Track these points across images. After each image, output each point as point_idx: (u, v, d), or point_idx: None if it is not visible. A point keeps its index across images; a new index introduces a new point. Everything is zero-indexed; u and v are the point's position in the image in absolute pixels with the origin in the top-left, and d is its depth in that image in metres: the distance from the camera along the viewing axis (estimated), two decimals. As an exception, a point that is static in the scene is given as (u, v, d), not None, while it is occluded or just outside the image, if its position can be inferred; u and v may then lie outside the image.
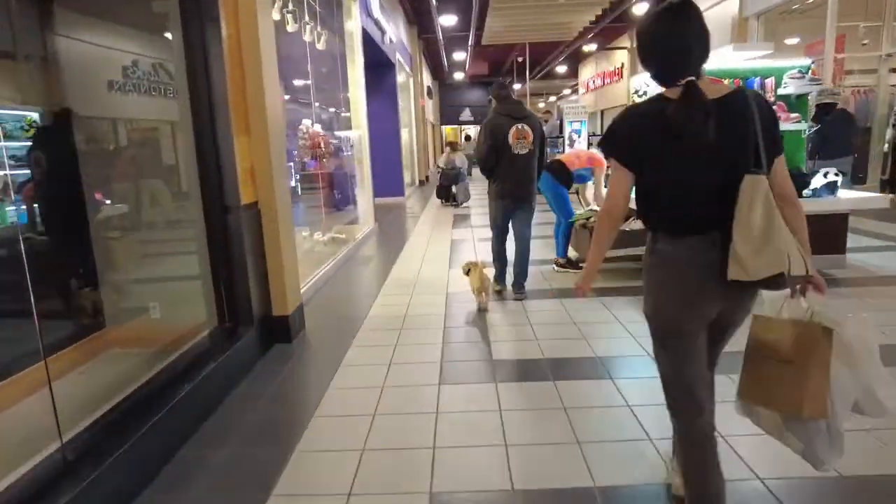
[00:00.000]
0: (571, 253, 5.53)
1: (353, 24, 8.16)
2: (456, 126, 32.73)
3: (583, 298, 3.30)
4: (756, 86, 4.84)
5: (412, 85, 16.70)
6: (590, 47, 20.23)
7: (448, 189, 12.29)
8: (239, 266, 3.38)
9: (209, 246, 3.26)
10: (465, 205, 11.90)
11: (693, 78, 1.52)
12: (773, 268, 1.44)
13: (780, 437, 1.64)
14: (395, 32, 12.61)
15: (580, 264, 5.35)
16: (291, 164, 6.68)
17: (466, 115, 32.32)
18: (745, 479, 2.14)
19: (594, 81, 23.62)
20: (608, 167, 3.06)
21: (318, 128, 7.05)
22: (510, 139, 4.37)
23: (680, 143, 1.52)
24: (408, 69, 15.91)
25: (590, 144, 13.03)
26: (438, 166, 13.01)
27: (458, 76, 26.93)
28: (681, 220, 1.60)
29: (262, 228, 3.65)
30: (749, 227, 1.45)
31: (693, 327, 1.63)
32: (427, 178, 18.36)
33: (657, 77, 1.62)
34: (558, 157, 5.51)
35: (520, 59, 21.91)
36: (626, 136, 1.64)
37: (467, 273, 4.46)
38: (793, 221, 1.55)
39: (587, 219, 5.27)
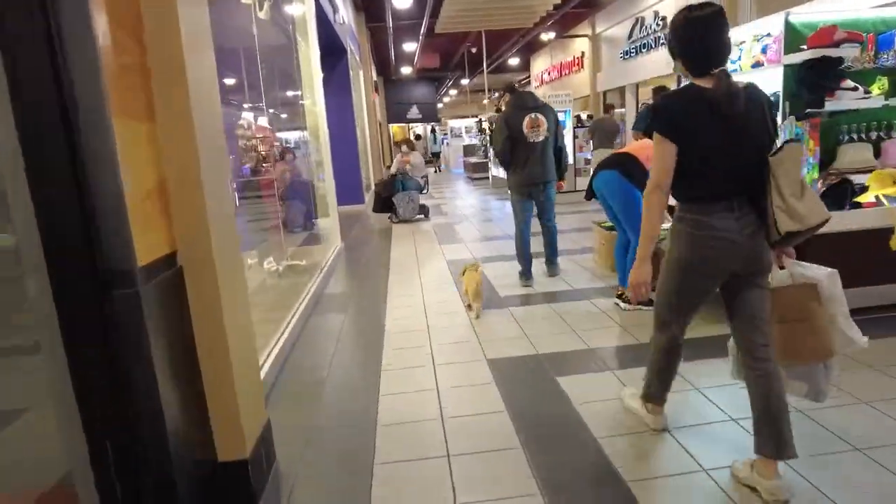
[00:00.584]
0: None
1: (304, -9, 6.37)
2: (403, 124, 30.97)
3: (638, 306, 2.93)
4: None
5: (363, 78, 14.90)
6: (548, 35, 19.02)
7: (387, 201, 9.13)
8: (141, 396, 1.63)
9: (72, 369, 1.51)
10: (419, 219, 9.31)
11: (724, 68, 1.85)
12: (821, 216, 1.79)
13: (786, 387, 1.98)
14: (346, 14, 10.82)
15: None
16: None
17: (414, 112, 30.61)
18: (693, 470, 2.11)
19: (549, 74, 22.51)
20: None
21: (263, 123, 5.26)
22: (524, 129, 4.45)
23: (719, 120, 1.83)
24: (358, 59, 14.12)
25: (575, 137, 11.72)
26: (389, 171, 9.80)
27: (406, 71, 25.21)
28: (708, 190, 1.88)
29: (187, 307, 1.90)
30: (797, 185, 1.78)
31: (710, 283, 1.99)
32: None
33: (695, 67, 1.90)
34: (625, 149, 3.98)
35: (473, 50, 20.49)
36: (674, 113, 1.90)
37: (463, 274, 4.41)
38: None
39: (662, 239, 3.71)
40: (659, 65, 13.36)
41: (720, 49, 1.86)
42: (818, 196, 1.82)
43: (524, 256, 4.77)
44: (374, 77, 22.57)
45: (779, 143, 1.92)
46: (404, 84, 29.60)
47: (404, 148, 9.93)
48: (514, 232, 4.80)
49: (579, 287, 4.65)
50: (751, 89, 1.90)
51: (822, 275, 1.98)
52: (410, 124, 31.46)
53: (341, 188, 10.22)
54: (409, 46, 19.54)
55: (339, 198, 8.81)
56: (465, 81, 31.82)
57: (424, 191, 9.83)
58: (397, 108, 29.93)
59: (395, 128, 31.04)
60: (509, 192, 4.81)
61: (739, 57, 3.87)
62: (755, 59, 3.69)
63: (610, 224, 4.57)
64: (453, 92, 36.76)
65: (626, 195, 3.71)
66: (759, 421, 1.93)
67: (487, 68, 27.41)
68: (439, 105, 35.91)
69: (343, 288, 5.50)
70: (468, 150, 18.56)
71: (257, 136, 5.31)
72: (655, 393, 2.31)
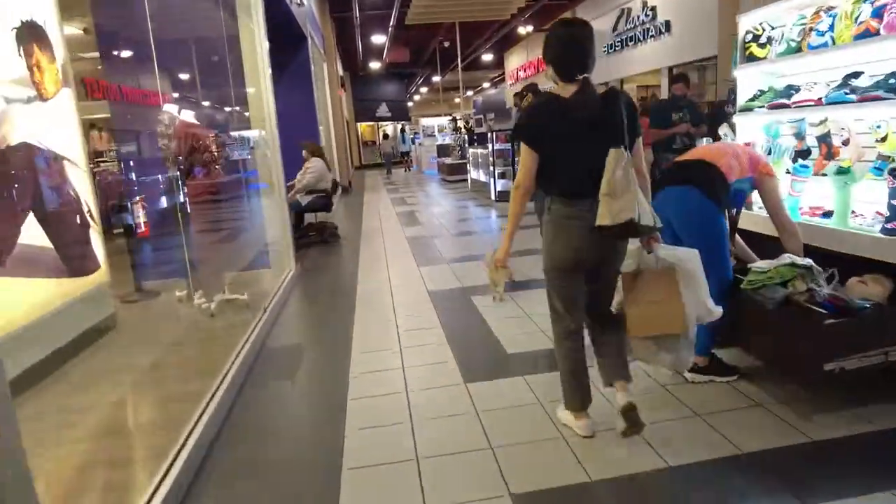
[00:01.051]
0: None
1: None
2: (372, 123, 29.67)
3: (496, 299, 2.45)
4: None
5: (327, 72, 13.62)
6: (525, 29, 18.04)
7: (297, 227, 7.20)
8: None
9: None
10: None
11: (588, 76, 2.08)
12: (627, 213, 1.99)
13: (654, 359, 2.37)
14: (306, -2, 9.58)
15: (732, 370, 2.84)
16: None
17: (383, 110, 29.33)
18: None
19: (525, 71, 21.55)
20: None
21: (190, 118, 4.07)
22: None
23: (574, 125, 2.08)
24: (322, 50, 12.86)
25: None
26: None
27: (374, 66, 23.92)
28: (570, 188, 2.15)
29: None
30: (611, 184, 2.00)
31: (575, 267, 2.24)
32: (350, 184, 15.38)
33: (561, 73, 2.12)
34: (699, 154, 2.82)
35: (446, 44, 19.38)
36: (533, 124, 2.19)
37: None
38: (643, 189, 2.12)
39: (765, 281, 2.53)
40: (648, 59, 12.48)
41: (584, 57, 2.09)
42: (638, 196, 2.02)
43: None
44: (340, 72, 21.26)
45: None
46: (373, 80, 28.27)
47: (304, 153, 7.81)
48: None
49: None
50: (610, 94, 2.12)
51: (682, 254, 2.27)
52: (380, 123, 30.18)
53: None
54: (378, 39, 18.30)
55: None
56: (436, 79, 30.75)
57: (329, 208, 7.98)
58: (365, 106, 28.59)
59: (363, 126, 29.69)
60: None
61: (831, 27, 2.84)
62: (863, 26, 2.65)
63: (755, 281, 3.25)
64: (424, 90, 35.58)
65: (703, 213, 2.58)
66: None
67: (463, 64, 26.39)
68: (409, 103, 34.66)
69: (293, 338, 4.25)
70: (442, 151, 17.45)
71: (188, 132, 4.12)
72: (575, 398, 2.42)
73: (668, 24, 11.47)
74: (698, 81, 13.23)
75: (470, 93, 39.16)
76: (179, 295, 3.88)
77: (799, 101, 3.02)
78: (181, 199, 3.87)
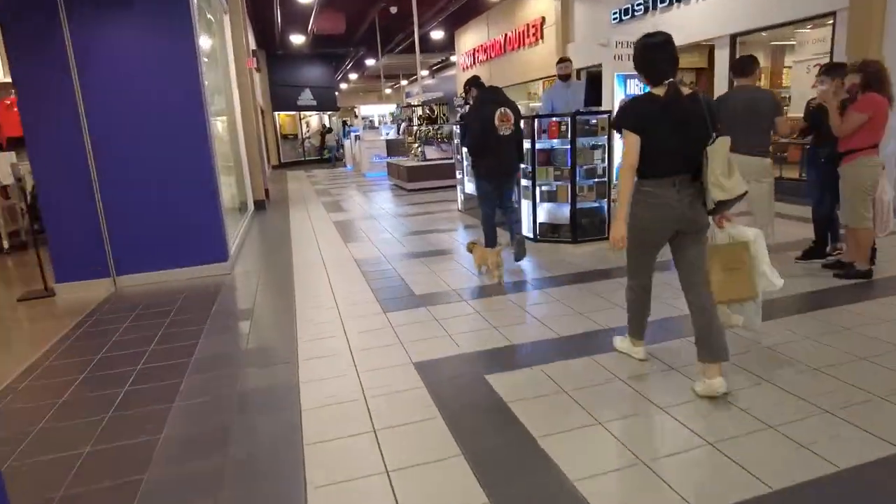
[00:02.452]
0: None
1: None
2: (293, 112, 24.81)
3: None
4: None
5: (230, 32, 9.05)
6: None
7: None
8: None
9: None
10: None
11: (673, 80, 2.52)
12: (742, 187, 2.51)
13: (728, 322, 2.84)
14: None
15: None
16: None
17: (307, 97, 24.57)
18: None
19: (484, 52, 17.73)
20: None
21: None
22: (495, 122, 4.74)
23: (668, 119, 2.51)
24: (224, 1, 8.33)
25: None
26: None
27: (297, 40, 19.20)
28: (658, 170, 2.57)
29: None
30: (725, 165, 2.48)
31: (659, 237, 2.68)
32: (267, 195, 10.94)
33: (651, 78, 2.57)
34: None
35: (393, 10, 15.17)
36: (635, 113, 2.60)
37: (470, 251, 4.83)
38: None
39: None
40: (695, 25, 8.96)
41: (668, 66, 2.54)
42: (739, 176, 2.52)
43: (491, 230, 5.13)
44: (253, 46, 16.45)
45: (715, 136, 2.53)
46: (294, 61, 23.43)
47: None
48: (483, 215, 5.14)
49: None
50: (695, 96, 2.56)
51: (752, 234, 2.75)
52: (302, 113, 25.37)
53: (175, 233, 4.75)
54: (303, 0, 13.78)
55: (155, 250, 3.59)
56: (371, 62, 26.31)
57: None
58: (285, 93, 23.74)
59: (282, 117, 24.76)
60: (476, 178, 5.06)
61: None
62: None
63: None
64: (354, 76, 30.94)
65: None
66: (699, 337, 2.63)
67: (402, 44, 22.21)
68: (337, 91, 29.94)
69: None
70: (394, 149, 13.25)
71: None
72: (636, 330, 2.97)
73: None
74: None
75: (404, 82, 34.99)
76: None
77: None
78: None
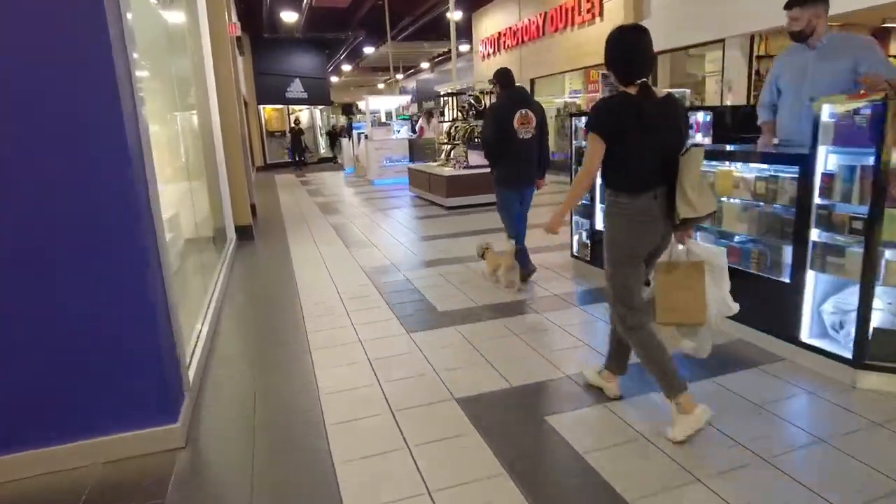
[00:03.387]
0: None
1: None
2: (280, 106, 21.72)
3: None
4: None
5: (204, 9, 6.10)
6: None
7: None
8: None
9: None
10: None
11: (646, 80, 2.26)
12: (711, 207, 2.27)
13: (677, 345, 2.47)
14: None
15: None
16: None
17: (296, 88, 21.50)
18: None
19: (513, 37, 14.94)
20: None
21: None
22: (515, 124, 4.38)
23: (641, 123, 2.24)
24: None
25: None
26: None
27: (288, 18, 16.18)
28: (636, 181, 2.30)
29: None
30: (696, 181, 2.20)
31: (642, 253, 2.40)
32: (255, 211, 7.99)
33: (622, 77, 2.29)
34: None
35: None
36: (608, 116, 2.31)
37: (482, 256, 4.64)
38: None
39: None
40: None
41: (643, 64, 2.27)
42: (711, 191, 2.32)
43: (518, 234, 4.58)
44: (238, 33, 13.41)
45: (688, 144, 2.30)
46: (283, 47, 20.35)
47: None
48: (507, 224, 4.62)
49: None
50: (669, 98, 2.32)
51: (710, 253, 2.40)
52: (291, 107, 22.30)
53: (45, 360, 2.26)
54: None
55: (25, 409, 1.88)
56: (370, 50, 23.28)
57: None
58: (271, 83, 20.65)
59: (268, 111, 21.67)
60: (496, 185, 4.60)
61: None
62: None
63: None
64: (347, 67, 27.88)
65: None
66: (614, 349, 2.65)
67: (410, 28, 19.29)
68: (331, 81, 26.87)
69: None
70: (420, 151, 10.34)
71: None
72: (677, 382, 2.36)
73: None
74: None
75: (400, 76, 31.97)
76: None
77: None
78: None
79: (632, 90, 2.26)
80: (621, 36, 2.30)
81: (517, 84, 4.63)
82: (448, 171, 8.47)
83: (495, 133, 4.39)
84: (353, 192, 11.51)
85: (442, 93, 9.89)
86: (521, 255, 4.53)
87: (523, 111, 4.39)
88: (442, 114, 10.14)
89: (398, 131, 13.63)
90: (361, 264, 5.44)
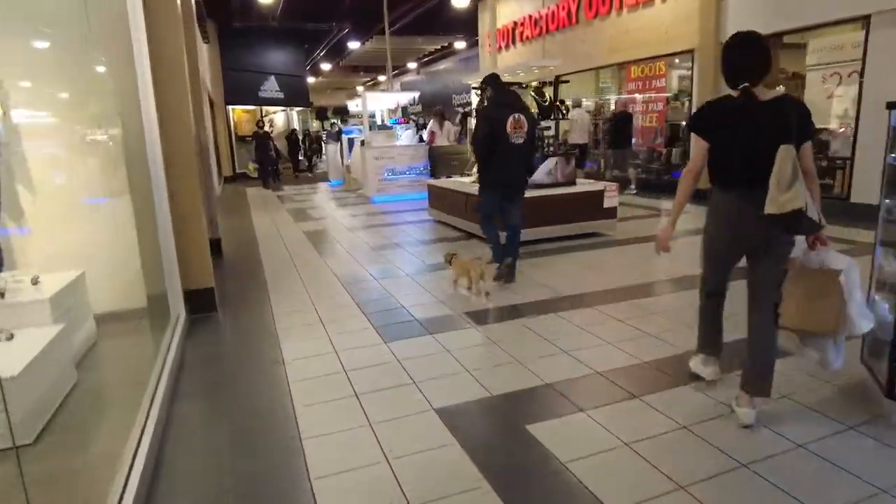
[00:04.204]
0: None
1: None
2: (252, 107, 18.97)
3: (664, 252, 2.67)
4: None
5: None
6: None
7: None
8: None
9: None
10: None
11: (748, 84, 2.29)
12: (795, 203, 2.12)
13: (798, 352, 2.49)
14: None
15: None
16: None
17: (271, 87, 18.73)
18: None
19: (533, 25, 12.64)
20: None
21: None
22: (508, 128, 4.34)
23: (738, 124, 2.33)
24: None
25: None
26: None
27: (265, 1, 13.58)
28: (727, 177, 2.41)
29: None
30: (781, 177, 2.15)
31: (729, 247, 2.50)
32: (220, 249, 5.44)
33: (729, 81, 2.38)
34: None
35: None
36: (706, 117, 2.48)
37: (449, 262, 4.45)
38: (811, 190, 2.23)
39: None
40: None
41: (746, 69, 2.32)
42: (804, 189, 2.15)
43: (497, 243, 4.66)
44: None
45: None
46: (255, 38, 17.65)
47: None
48: (485, 229, 4.74)
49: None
50: (778, 100, 2.32)
51: (846, 264, 2.32)
52: (265, 109, 19.56)
53: None
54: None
55: None
56: (355, 45, 20.61)
57: None
58: (242, 81, 17.89)
59: (238, 112, 18.91)
60: (480, 188, 4.64)
61: None
62: None
63: None
64: (327, 66, 25.19)
65: None
66: (745, 359, 2.47)
67: (403, 20, 16.81)
68: (310, 80, 24.13)
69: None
70: (442, 157, 7.87)
71: None
72: (705, 347, 2.78)
73: None
74: None
75: (383, 77, 29.35)
76: None
77: None
78: None
79: (735, 93, 2.35)
80: (730, 43, 2.40)
81: (513, 90, 4.68)
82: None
83: (488, 136, 4.35)
84: (350, 214, 8.96)
85: (473, 84, 7.42)
86: (511, 270, 4.56)
87: (516, 115, 4.36)
88: (465, 115, 7.70)
89: (400, 136, 11.17)
90: (417, 381, 2.95)
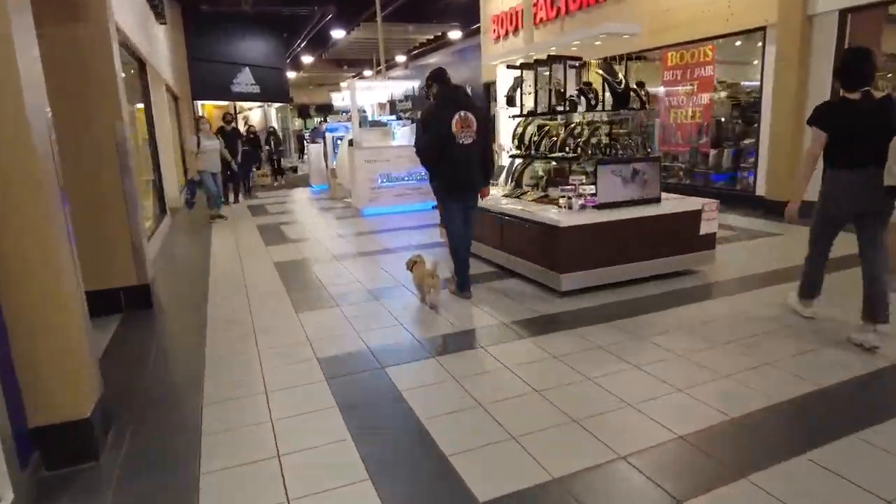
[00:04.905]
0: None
1: None
2: (224, 103, 16.88)
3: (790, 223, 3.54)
4: None
5: None
6: None
7: None
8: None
9: None
10: None
11: (868, 88, 3.04)
12: None
13: None
14: None
15: None
16: None
17: (246, 80, 16.62)
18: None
19: (552, 8, 10.83)
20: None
21: None
22: (453, 128, 4.00)
23: (857, 121, 3.04)
24: None
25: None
26: None
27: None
28: (845, 161, 3.11)
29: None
30: (894, 160, 2.83)
31: (839, 218, 3.25)
32: (148, 298, 3.52)
33: (845, 85, 3.13)
34: None
35: None
36: (827, 115, 3.17)
37: (411, 269, 4.25)
38: None
39: None
40: None
41: (868, 76, 3.06)
42: None
43: (464, 266, 4.31)
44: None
45: None
46: (227, 24, 15.56)
47: None
48: (450, 240, 4.31)
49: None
50: (885, 100, 3.03)
51: None
52: (240, 105, 17.48)
53: None
54: None
55: None
56: (338, 34, 18.49)
57: None
58: (212, 72, 15.77)
59: (208, 108, 16.81)
60: (436, 194, 4.31)
61: None
62: None
63: None
64: (308, 59, 23.08)
65: None
66: (865, 299, 3.15)
67: (396, 2, 14.86)
68: (290, 74, 22.02)
69: None
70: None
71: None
72: (804, 291, 3.54)
73: None
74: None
75: (368, 72, 27.33)
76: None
77: None
78: None
79: (854, 95, 3.07)
80: (851, 57, 3.18)
81: (459, 84, 4.29)
82: (555, 213, 4.17)
83: (431, 140, 4.04)
84: (336, 234, 7.02)
85: (515, 63, 5.54)
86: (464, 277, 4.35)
87: (462, 114, 4.01)
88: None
89: (398, 128, 9.28)
90: None
